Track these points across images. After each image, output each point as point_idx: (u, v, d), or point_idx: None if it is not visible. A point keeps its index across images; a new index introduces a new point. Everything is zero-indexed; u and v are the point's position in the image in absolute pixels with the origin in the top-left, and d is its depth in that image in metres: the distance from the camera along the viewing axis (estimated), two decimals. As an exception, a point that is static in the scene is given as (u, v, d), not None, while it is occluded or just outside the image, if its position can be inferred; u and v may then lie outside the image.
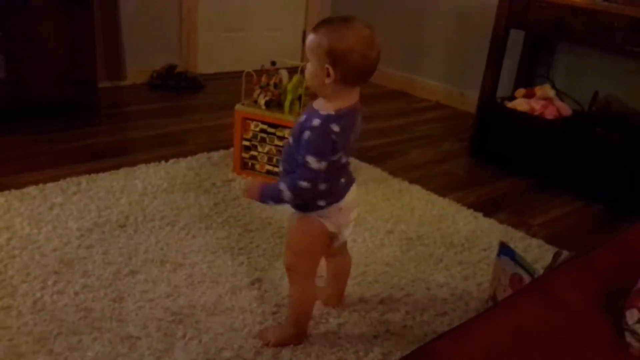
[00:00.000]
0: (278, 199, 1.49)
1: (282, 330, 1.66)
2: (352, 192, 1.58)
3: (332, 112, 1.43)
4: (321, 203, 1.52)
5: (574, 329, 0.91)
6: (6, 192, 2.30)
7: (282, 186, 1.46)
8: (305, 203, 1.53)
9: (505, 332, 0.86)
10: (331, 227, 1.56)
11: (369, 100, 4.10)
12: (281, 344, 1.64)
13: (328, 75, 1.40)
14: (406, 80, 4.39)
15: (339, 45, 1.37)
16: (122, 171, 2.58)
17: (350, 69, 1.39)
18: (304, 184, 1.43)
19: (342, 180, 1.55)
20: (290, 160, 1.49)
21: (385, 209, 2.46)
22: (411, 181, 2.76)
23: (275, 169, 2.55)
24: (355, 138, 1.53)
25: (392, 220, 2.37)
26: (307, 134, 1.42)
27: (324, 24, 1.42)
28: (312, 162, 1.41)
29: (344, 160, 1.50)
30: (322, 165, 1.42)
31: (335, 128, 1.41)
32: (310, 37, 1.42)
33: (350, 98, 1.46)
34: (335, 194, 1.53)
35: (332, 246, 1.65)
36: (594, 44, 3.00)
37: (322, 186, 1.49)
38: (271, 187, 1.51)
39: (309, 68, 1.45)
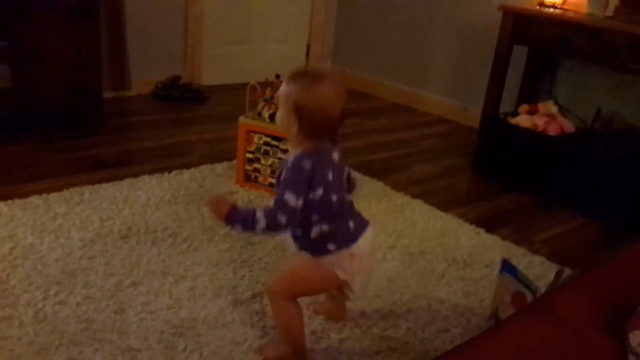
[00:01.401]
0: (249, 227, 1.48)
1: (281, 347, 1.65)
2: (367, 238, 1.56)
3: (299, 152, 1.50)
4: (331, 247, 1.51)
5: (577, 349, 0.91)
6: (10, 202, 2.30)
7: (259, 215, 1.46)
8: (316, 247, 1.52)
9: (509, 351, 0.86)
10: (342, 275, 1.53)
11: (371, 114, 4.11)
12: (281, 360, 1.63)
13: (293, 125, 1.48)
14: (409, 94, 4.41)
15: (305, 103, 1.46)
16: (126, 182, 2.58)
17: (312, 125, 1.47)
18: (283, 219, 1.45)
19: (351, 223, 1.54)
20: None
21: (388, 224, 2.46)
22: (414, 196, 2.76)
23: (278, 182, 2.55)
24: (339, 176, 1.53)
25: (395, 235, 2.37)
26: (284, 173, 1.50)
27: (296, 77, 1.50)
28: (290, 198, 1.45)
29: (334, 198, 1.49)
30: (299, 202, 1.45)
31: (307, 164, 1.46)
32: (282, 87, 1.51)
33: (317, 145, 1.51)
34: (345, 238, 1.52)
35: (342, 294, 1.63)
36: (597, 61, 3.02)
37: (325, 227, 1.50)
38: (244, 212, 1.50)
39: (279, 113, 1.53)
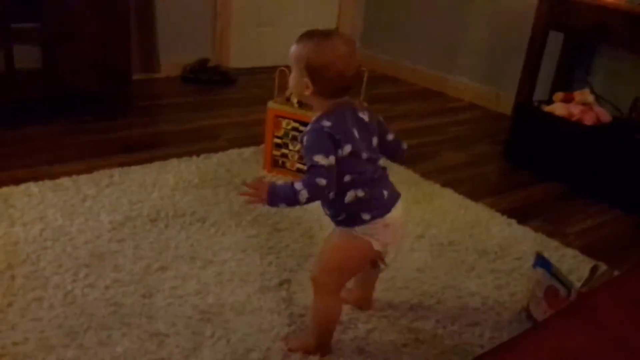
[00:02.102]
0: (293, 201, 1.42)
1: (305, 339, 1.63)
2: (399, 208, 1.52)
3: (319, 114, 1.49)
4: (365, 216, 1.47)
5: (619, 355, 0.87)
6: (40, 183, 2.32)
7: (299, 186, 1.41)
8: (350, 216, 1.48)
9: (548, 355, 0.83)
10: (377, 246, 1.49)
11: (401, 99, 4.06)
12: (304, 352, 1.61)
13: (307, 87, 1.46)
14: (439, 79, 4.33)
15: (316, 61, 1.44)
16: (155, 165, 2.59)
17: (326, 84, 1.45)
18: (321, 181, 1.40)
19: (385, 192, 1.50)
20: None
21: (416, 213, 2.43)
22: (443, 184, 2.71)
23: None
24: (367, 136, 1.49)
25: (423, 225, 2.34)
26: (304, 140, 1.46)
27: (305, 37, 1.47)
28: (319, 159, 1.40)
29: (364, 155, 1.46)
30: (331, 160, 1.41)
31: (326, 122, 1.44)
32: (292, 48, 1.48)
33: (337, 104, 1.48)
34: (379, 207, 1.48)
35: (375, 268, 1.60)
36: (636, 49, 2.92)
37: (360, 193, 1.46)
38: (284, 188, 1.44)
39: (292, 76, 1.51)
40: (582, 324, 0.91)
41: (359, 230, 1.48)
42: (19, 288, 1.73)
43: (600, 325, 0.90)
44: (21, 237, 1.97)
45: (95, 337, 1.59)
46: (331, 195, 1.46)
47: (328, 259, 1.56)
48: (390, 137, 1.60)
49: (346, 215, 1.50)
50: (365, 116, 1.51)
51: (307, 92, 1.47)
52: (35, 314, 1.64)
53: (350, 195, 1.46)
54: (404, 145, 1.65)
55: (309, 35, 1.47)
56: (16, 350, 1.51)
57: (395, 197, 1.53)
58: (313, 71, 1.44)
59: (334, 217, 1.53)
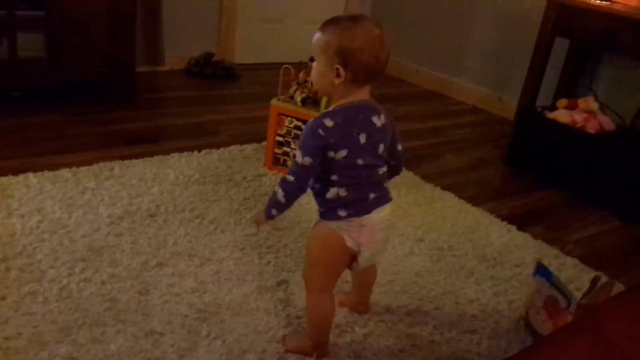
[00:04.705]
0: (276, 202, 1.47)
1: (302, 339, 1.62)
2: (384, 212, 1.49)
3: (330, 109, 1.44)
4: (341, 213, 1.45)
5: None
6: (39, 174, 2.31)
7: (276, 187, 1.46)
8: (327, 210, 1.48)
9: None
10: (350, 243, 1.47)
11: (404, 100, 4.04)
12: (300, 353, 1.60)
13: (338, 75, 1.39)
14: (443, 81, 4.32)
15: (350, 45, 1.35)
16: (155, 159, 2.57)
17: (360, 69, 1.38)
18: (290, 177, 1.43)
19: (371, 195, 1.46)
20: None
21: (416, 216, 2.41)
22: (444, 187, 2.70)
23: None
24: (374, 142, 1.44)
25: (423, 228, 2.32)
26: (303, 130, 1.46)
27: (332, 23, 1.40)
28: (298, 155, 1.42)
29: (360, 162, 1.42)
30: (306, 161, 1.41)
31: (328, 122, 1.40)
32: (318, 36, 1.41)
33: (357, 96, 1.44)
34: (359, 207, 1.45)
35: (352, 267, 1.57)
36: (643, 58, 2.91)
37: (343, 192, 1.44)
38: (271, 196, 1.51)
39: (316, 68, 1.44)
40: (588, 343, 0.89)
41: (334, 225, 1.47)
42: (13, 281, 1.72)
43: (608, 345, 0.88)
44: (18, 229, 1.96)
45: (90, 333, 1.57)
46: (316, 185, 1.49)
47: (308, 252, 1.57)
48: (399, 147, 1.57)
49: (325, 209, 1.49)
50: (379, 121, 1.45)
51: (338, 81, 1.38)
52: (29, 308, 1.62)
53: (332, 192, 1.45)
54: (402, 165, 1.64)
55: (336, 21, 1.39)
56: (7, 345, 1.49)
57: (382, 201, 1.49)
58: (346, 56, 1.35)
59: (318, 207, 1.53)
